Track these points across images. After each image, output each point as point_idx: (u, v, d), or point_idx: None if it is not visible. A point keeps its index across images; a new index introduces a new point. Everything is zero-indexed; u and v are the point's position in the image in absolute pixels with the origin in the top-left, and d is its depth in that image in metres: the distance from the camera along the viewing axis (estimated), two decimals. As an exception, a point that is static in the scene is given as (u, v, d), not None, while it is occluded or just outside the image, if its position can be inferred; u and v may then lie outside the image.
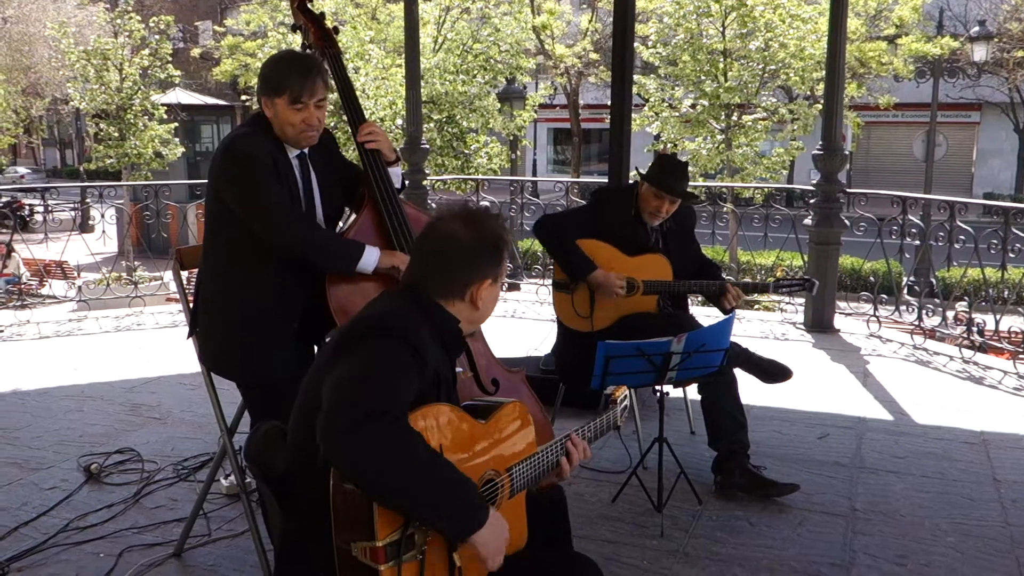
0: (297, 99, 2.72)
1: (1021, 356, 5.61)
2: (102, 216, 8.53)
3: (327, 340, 3.01)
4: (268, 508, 2.09)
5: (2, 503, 3.64)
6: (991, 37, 19.40)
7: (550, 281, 5.07)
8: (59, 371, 5.63)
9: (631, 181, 4.16)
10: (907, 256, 7.12)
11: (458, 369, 2.33)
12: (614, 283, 3.82)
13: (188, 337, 3.03)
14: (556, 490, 2.33)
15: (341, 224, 3.08)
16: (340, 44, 3.18)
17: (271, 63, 2.82)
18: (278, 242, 2.74)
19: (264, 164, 2.71)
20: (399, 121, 15.37)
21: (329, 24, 3.16)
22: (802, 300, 6.83)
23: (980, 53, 18.40)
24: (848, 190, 6.74)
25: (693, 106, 16.00)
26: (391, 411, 1.73)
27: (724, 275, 4.19)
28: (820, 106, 10.37)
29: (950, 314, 6.53)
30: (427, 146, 7.67)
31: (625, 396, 2.44)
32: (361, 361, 1.84)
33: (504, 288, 6.78)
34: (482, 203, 7.82)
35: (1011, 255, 5.86)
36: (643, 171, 3.98)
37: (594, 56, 23.68)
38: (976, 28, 18.52)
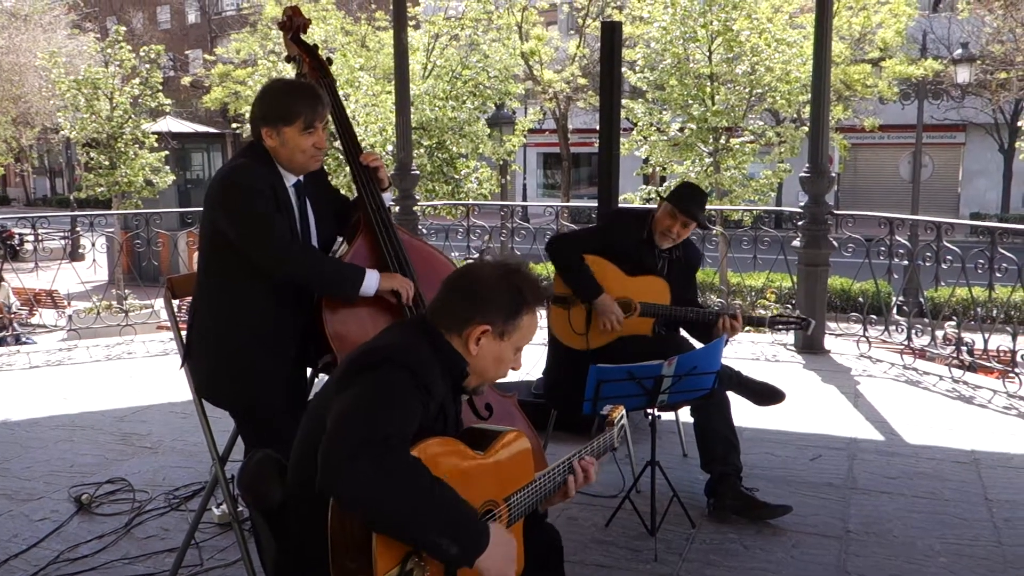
0: (310, 125, 2.74)
1: (1010, 375, 5.64)
2: (92, 245, 8.52)
3: (320, 365, 3.02)
4: (262, 538, 2.09)
5: (-8, 535, 3.62)
6: (974, 59, 19.64)
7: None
8: (49, 401, 5.60)
9: (643, 208, 4.25)
10: (895, 276, 7.16)
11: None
12: (614, 313, 3.84)
13: (181, 367, 3.03)
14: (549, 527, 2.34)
15: (334, 251, 3.10)
16: (331, 73, 3.21)
17: (275, 94, 2.81)
18: (282, 272, 2.75)
19: (264, 195, 2.72)
20: (389, 147, 15.43)
21: (322, 54, 3.19)
22: (792, 321, 6.85)
23: (964, 75, 18.62)
24: (836, 211, 6.80)
25: (681, 130, 16.14)
26: (391, 438, 1.74)
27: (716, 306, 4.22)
28: (807, 128, 10.47)
29: (939, 334, 6.56)
30: (417, 172, 7.70)
31: (622, 416, 2.44)
32: (366, 389, 1.84)
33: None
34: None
35: (998, 274, 5.91)
36: (664, 195, 4.04)
37: (582, 81, 23.86)
38: (959, 50, 18.76)
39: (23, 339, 10.28)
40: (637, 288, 3.91)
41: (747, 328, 4.07)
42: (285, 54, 3.25)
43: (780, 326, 4.06)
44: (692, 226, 3.92)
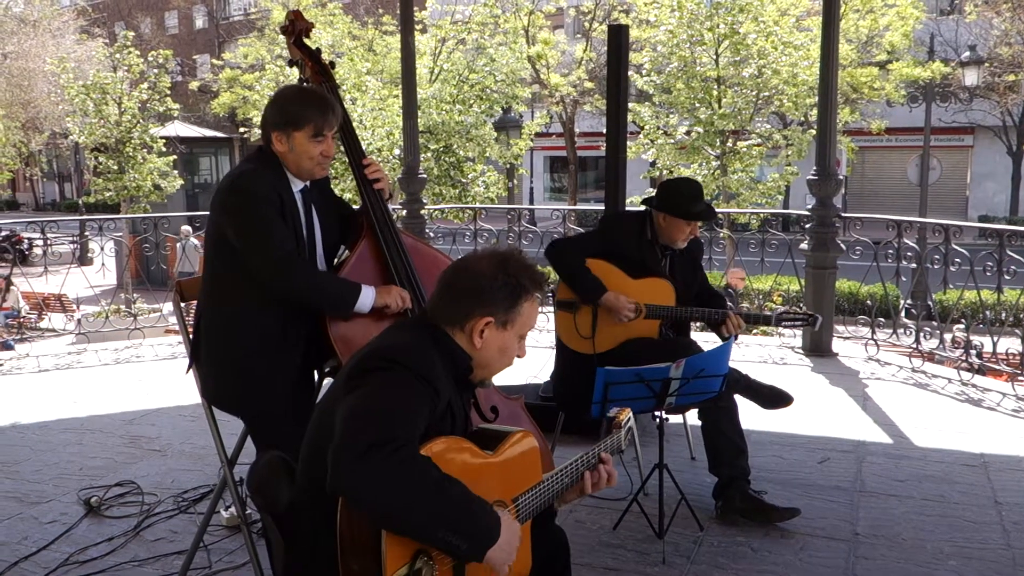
0: (320, 132, 2.76)
1: (1019, 378, 5.62)
2: (101, 249, 8.53)
3: (326, 369, 3.03)
4: (272, 540, 2.09)
5: (2, 538, 3.64)
6: (982, 62, 19.57)
7: (550, 308, 5.07)
8: (58, 404, 5.62)
9: (640, 209, 4.14)
10: (904, 279, 7.15)
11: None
12: (624, 306, 3.82)
13: (187, 371, 3.03)
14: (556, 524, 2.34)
15: (338, 255, 3.10)
16: (337, 76, 3.21)
17: (287, 99, 2.83)
18: (276, 285, 2.74)
19: (269, 202, 2.72)
20: (396, 151, 15.45)
21: (325, 58, 3.20)
22: (800, 324, 6.83)
23: (971, 77, 18.56)
24: (843, 214, 6.78)
25: (688, 133, 16.13)
26: (399, 439, 1.75)
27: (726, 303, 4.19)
28: (814, 131, 10.45)
29: (948, 337, 6.54)
30: (424, 176, 7.72)
31: (629, 419, 2.44)
32: (373, 391, 1.85)
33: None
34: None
35: (1007, 277, 5.88)
36: (653, 200, 3.92)
37: (589, 85, 23.88)
38: (967, 53, 18.68)
39: (8, 344, 10.21)
40: (641, 291, 3.89)
41: (756, 332, 4.05)
42: (290, 58, 3.26)
43: (787, 323, 4.04)
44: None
